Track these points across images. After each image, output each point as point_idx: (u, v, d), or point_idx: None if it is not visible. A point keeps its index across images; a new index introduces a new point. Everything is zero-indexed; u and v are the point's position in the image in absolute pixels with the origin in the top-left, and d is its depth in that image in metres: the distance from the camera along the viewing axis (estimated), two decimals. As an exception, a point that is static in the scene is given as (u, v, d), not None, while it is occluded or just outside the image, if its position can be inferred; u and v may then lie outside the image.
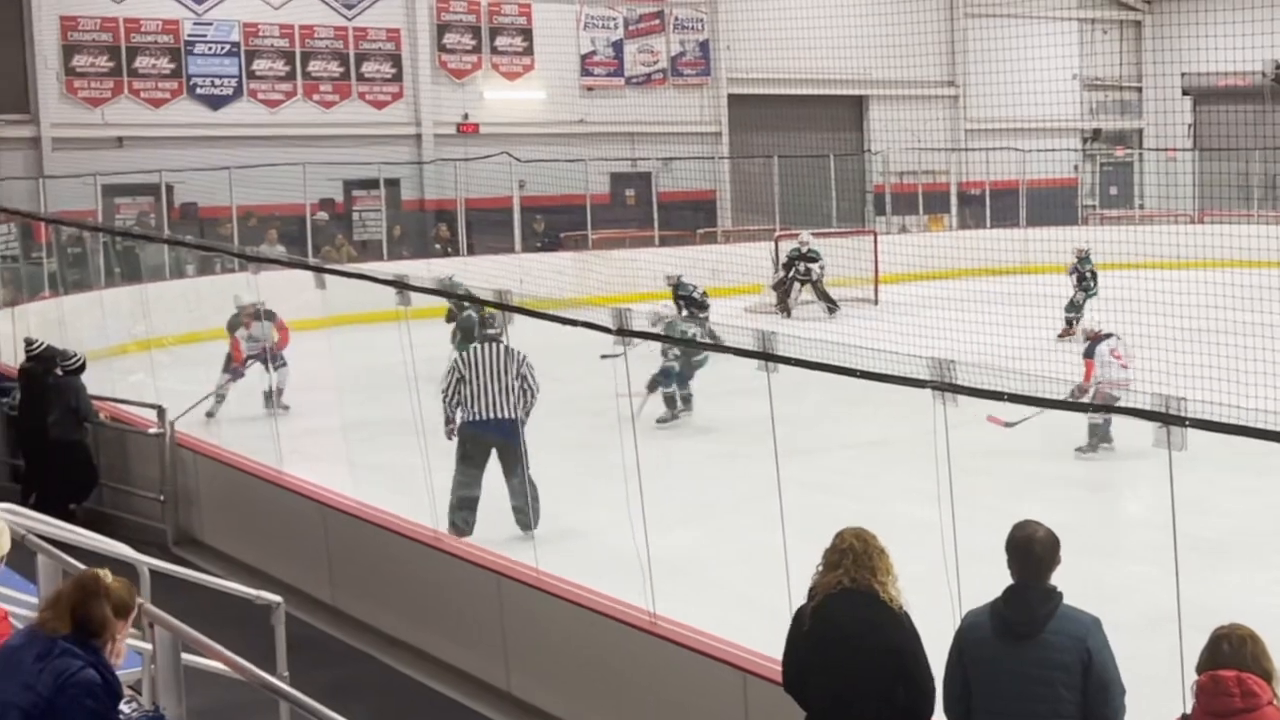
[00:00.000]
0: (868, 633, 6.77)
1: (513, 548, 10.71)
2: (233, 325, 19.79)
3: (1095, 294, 26.95)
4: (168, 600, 8.29)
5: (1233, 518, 14.27)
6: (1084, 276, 27.78)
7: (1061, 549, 6.53)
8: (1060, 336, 26.22)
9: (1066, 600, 6.46)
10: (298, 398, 16.24)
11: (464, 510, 13.47)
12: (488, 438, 13.67)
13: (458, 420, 13.85)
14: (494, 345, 13.90)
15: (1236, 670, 5.83)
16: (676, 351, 18.48)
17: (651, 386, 19.07)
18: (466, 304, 18.60)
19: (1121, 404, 6.86)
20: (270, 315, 18.66)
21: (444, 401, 13.84)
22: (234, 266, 22.92)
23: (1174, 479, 6.70)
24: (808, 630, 6.91)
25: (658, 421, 18.82)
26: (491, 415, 13.67)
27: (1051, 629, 6.36)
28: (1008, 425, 14.18)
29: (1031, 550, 6.48)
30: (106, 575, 6.40)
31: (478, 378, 13.77)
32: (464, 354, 14.64)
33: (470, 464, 13.69)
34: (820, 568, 6.98)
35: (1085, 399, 13.81)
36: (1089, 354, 16.97)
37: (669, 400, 19.38)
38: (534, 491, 13.40)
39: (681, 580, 11.21)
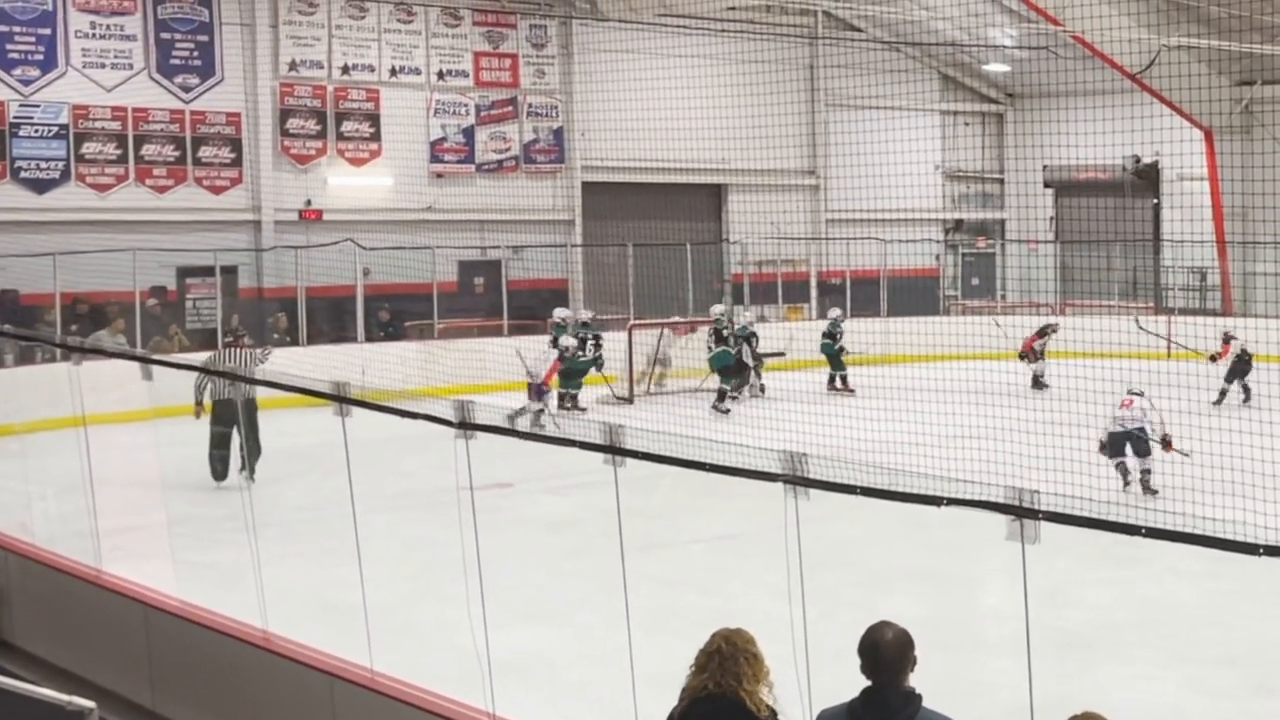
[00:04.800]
0: None
1: (345, 647, 10.49)
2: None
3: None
4: (-30, 707, 8.00)
5: (1093, 610, 14.40)
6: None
7: (915, 648, 6.46)
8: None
9: (932, 695, 6.40)
10: (119, 493, 15.94)
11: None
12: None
13: (207, 399, 20.52)
14: (236, 348, 22.06)
15: None
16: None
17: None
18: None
19: (974, 498, 6.80)
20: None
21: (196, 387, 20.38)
22: (54, 356, 22.57)
23: (1029, 572, 6.68)
24: None
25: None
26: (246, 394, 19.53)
27: None
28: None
29: (879, 654, 6.40)
30: None
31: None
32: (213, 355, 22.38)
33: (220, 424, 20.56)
34: (692, 668, 6.88)
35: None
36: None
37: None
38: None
39: (527, 680, 11.07)
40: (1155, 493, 19.86)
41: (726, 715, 6.66)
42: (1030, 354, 31.82)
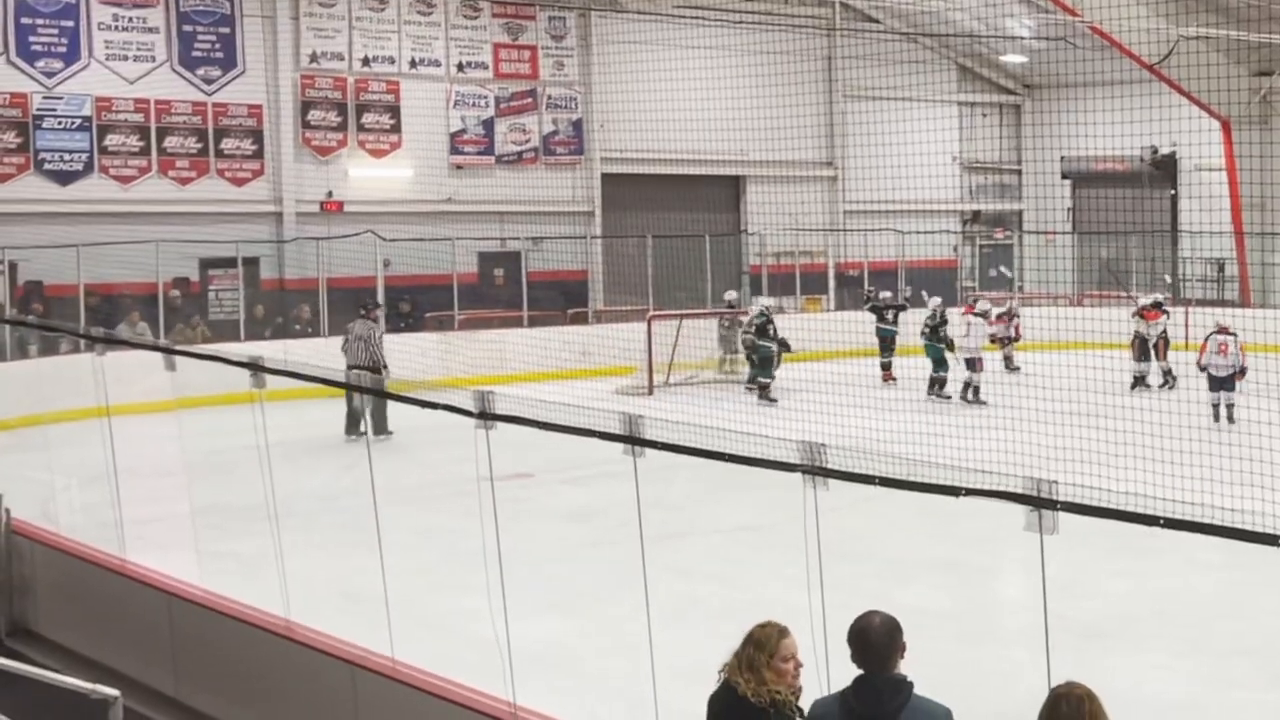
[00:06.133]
0: None
1: (367, 637, 10.51)
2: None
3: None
4: (-3, 695, 8.04)
5: (1111, 600, 14.38)
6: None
7: (903, 635, 6.48)
8: None
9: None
10: (143, 484, 15.96)
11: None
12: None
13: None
14: (368, 319, 26.01)
15: None
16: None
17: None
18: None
19: (992, 488, 6.80)
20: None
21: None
22: (79, 347, 22.65)
23: (1048, 562, 6.68)
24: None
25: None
26: (353, 363, 24.13)
27: None
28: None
29: (867, 640, 6.42)
30: None
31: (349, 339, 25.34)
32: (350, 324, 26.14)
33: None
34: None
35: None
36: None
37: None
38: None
39: (548, 670, 11.08)
40: (1234, 422, 24.77)
41: (732, 702, 6.73)
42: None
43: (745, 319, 31.44)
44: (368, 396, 21.72)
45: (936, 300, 31.49)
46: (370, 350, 25.24)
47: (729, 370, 32.16)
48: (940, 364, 29.91)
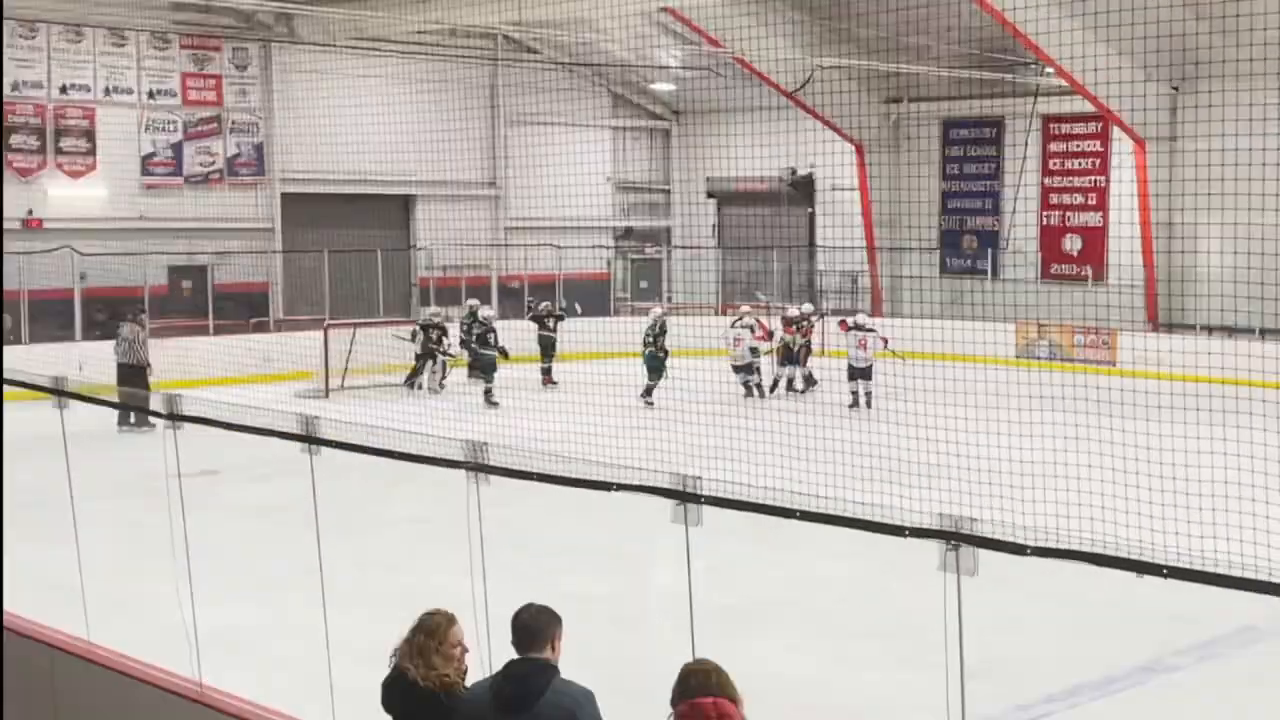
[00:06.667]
0: None
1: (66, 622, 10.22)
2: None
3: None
4: None
5: (753, 587, 14.64)
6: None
7: (559, 625, 6.45)
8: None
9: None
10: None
11: None
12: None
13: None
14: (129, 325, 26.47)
15: (711, 697, 5.94)
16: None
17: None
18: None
19: (642, 483, 6.89)
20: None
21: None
22: None
23: (696, 552, 6.76)
24: None
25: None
26: (122, 361, 25.75)
27: (546, 702, 6.23)
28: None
29: (521, 623, 6.41)
30: None
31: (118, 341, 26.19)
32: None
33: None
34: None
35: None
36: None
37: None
38: None
39: (233, 653, 10.90)
40: (871, 408, 27.20)
41: (404, 688, 6.69)
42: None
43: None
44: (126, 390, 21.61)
45: (658, 310, 31.58)
46: (135, 350, 26.47)
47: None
48: (655, 372, 29.22)
